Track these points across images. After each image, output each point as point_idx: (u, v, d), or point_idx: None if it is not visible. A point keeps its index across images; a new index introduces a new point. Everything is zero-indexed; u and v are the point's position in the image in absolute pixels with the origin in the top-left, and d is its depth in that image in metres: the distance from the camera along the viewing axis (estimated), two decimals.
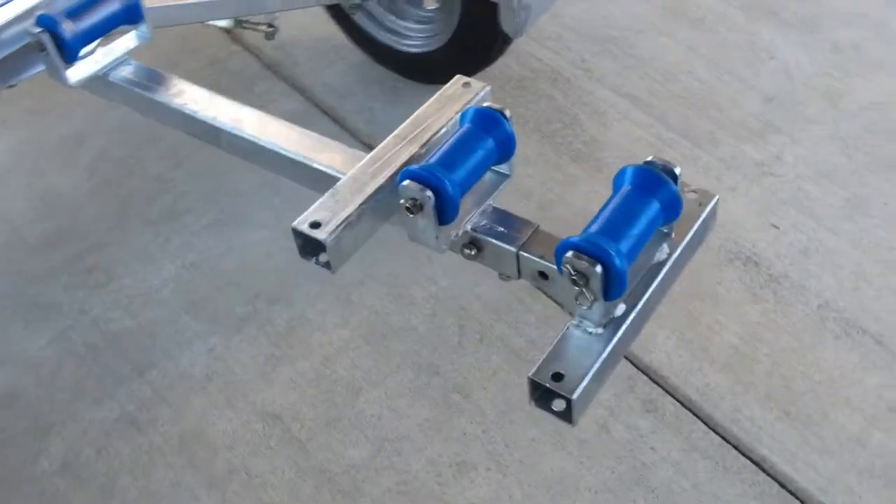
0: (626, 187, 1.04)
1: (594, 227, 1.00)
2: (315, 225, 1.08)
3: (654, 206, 1.02)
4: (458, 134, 1.13)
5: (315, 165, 1.22)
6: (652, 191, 1.02)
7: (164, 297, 2.04)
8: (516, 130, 1.16)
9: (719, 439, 1.73)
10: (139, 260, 2.12)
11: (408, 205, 1.07)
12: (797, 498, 1.63)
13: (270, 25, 2.05)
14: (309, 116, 2.43)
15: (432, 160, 1.10)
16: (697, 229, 1.09)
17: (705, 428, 1.74)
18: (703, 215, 1.09)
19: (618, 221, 1.00)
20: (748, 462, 1.69)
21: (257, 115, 1.30)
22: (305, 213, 1.10)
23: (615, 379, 1.82)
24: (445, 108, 1.20)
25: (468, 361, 1.87)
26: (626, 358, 1.85)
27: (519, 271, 1.12)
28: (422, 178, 1.06)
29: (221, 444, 1.77)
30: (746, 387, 1.80)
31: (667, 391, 1.80)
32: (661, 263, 1.07)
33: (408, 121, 1.20)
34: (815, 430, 1.72)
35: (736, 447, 1.71)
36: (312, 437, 1.77)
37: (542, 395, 0.99)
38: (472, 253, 1.14)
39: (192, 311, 2.01)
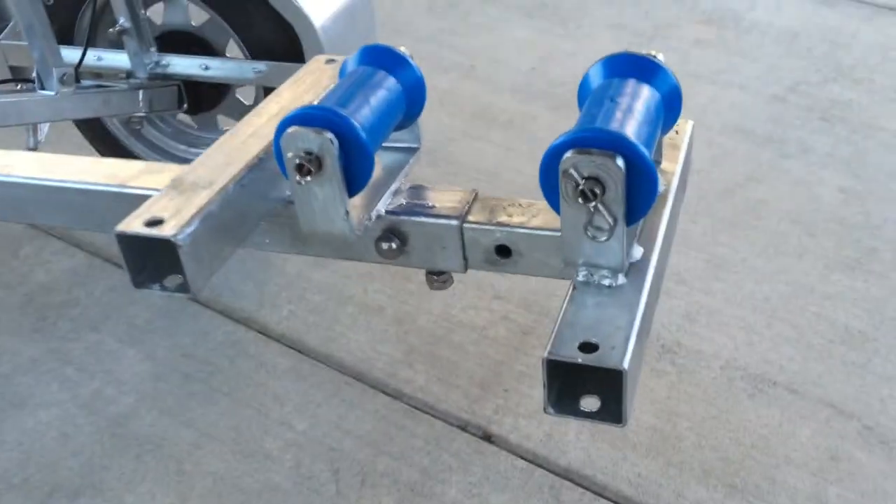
0: (613, 80, 0.77)
1: (590, 120, 0.72)
2: (155, 222, 0.70)
3: (656, 96, 0.76)
4: (351, 76, 0.83)
5: (139, 192, 0.82)
6: (647, 77, 0.76)
7: None
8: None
9: None
10: None
11: (298, 160, 0.72)
12: None
13: (35, 146, 1.64)
14: (95, 272, 2.00)
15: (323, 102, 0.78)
16: (686, 157, 0.85)
17: None
18: (686, 140, 0.86)
19: (616, 110, 0.72)
20: None
21: (29, 154, 0.91)
22: (133, 214, 0.71)
23: (535, 494, 1.49)
24: (311, 85, 0.90)
25: None
26: (541, 466, 1.54)
27: (465, 256, 0.81)
28: (317, 118, 0.72)
29: None
30: (680, 467, 1.54)
31: (597, 493, 1.49)
32: (663, 196, 0.81)
33: (265, 101, 0.88)
34: (769, 499, 1.48)
35: None
36: None
37: (560, 390, 0.65)
38: (394, 247, 0.82)
39: None
